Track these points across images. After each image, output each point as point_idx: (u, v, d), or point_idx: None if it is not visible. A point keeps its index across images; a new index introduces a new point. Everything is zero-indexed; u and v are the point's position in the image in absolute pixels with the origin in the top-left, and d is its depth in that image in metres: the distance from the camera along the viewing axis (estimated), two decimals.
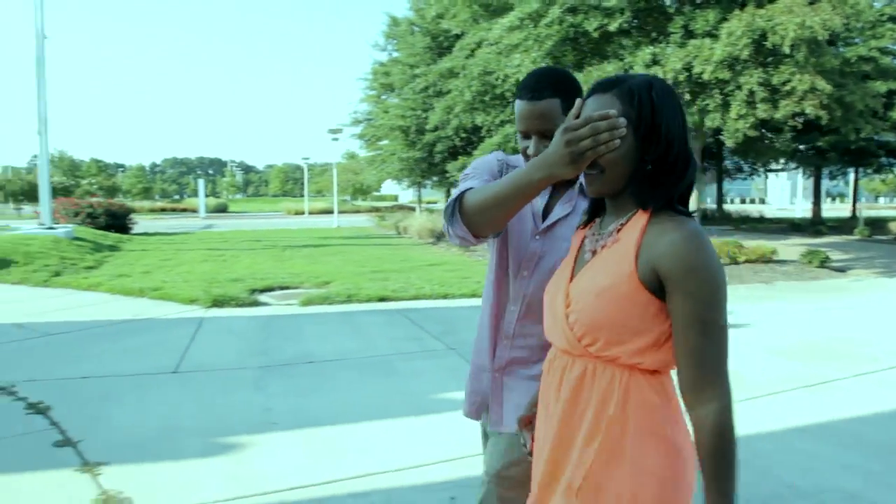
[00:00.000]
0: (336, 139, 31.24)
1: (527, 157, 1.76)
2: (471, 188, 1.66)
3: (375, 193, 78.41)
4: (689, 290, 1.29)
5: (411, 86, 19.96)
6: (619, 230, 1.42)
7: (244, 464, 3.77)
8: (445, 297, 9.22)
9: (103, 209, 22.85)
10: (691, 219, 1.37)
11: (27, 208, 57.96)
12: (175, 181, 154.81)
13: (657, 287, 1.33)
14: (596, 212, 1.55)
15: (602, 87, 1.41)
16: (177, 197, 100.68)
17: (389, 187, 72.88)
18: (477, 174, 1.80)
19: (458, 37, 18.07)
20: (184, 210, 53.07)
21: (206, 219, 41.14)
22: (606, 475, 1.35)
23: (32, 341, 7.04)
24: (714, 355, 1.31)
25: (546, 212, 1.85)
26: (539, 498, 1.52)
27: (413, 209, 34.31)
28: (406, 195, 77.51)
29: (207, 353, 6.29)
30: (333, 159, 37.19)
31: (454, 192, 1.68)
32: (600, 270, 1.40)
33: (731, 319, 6.66)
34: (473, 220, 1.58)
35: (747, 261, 12.83)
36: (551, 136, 1.65)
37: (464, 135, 19.07)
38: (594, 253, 1.46)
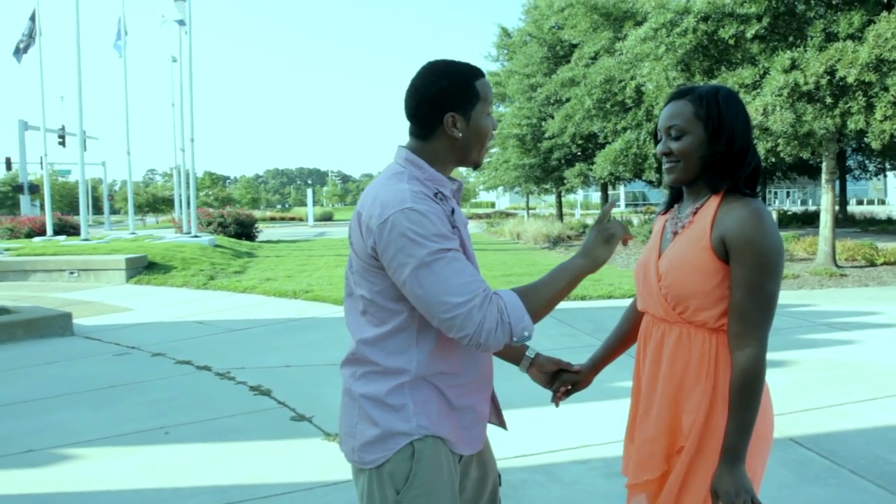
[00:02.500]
0: None
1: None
2: (496, 293, 1.56)
3: (472, 200, 79.20)
4: (745, 256, 1.58)
5: (531, 95, 20.41)
6: (695, 213, 1.72)
7: None
8: (584, 298, 9.56)
9: (232, 218, 24.41)
10: (756, 198, 1.68)
11: (149, 218, 62.19)
12: (277, 191, 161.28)
13: (727, 256, 1.62)
14: (674, 200, 1.88)
15: (677, 95, 1.77)
16: (279, 206, 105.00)
17: (486, 194, 73.43)
18: (443, 230, 1.54)
19: (574, 46, 18.36)
20: (291, 219, 55.49)
21: (315, 226, 42.88)
22: (709, 419, 1.67)
23: (219, 336, 7.88)
24: (755, 311, 1.59)
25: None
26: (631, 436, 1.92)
27: (513, 215, 34.66)
28: (502, 201, 77.85)
29: None
30: None
31: (445, 273, 1.50)
32: (683, 248, 1.70)
33: (879, 320, 6.71)
34: (534, 322, 1.59)
35: (885, 263, 12.51)
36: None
37: (580, 142, 19.34)
38: (675, 234, 1.77)
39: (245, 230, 24.37)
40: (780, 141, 10.93)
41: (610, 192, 25.74)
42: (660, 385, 1.76)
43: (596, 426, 4.43)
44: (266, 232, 30.88)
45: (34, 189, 30.60)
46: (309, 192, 50.70)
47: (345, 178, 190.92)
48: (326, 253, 19.02)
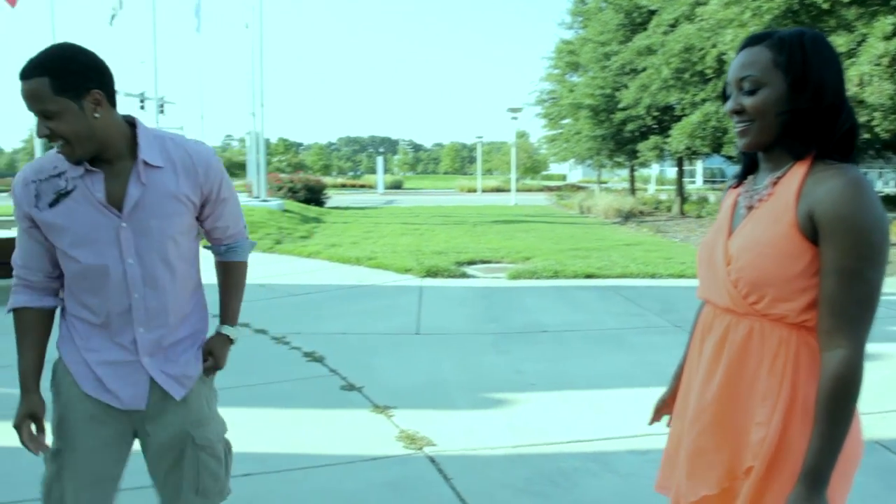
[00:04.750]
0: (515, 118, 31.51)
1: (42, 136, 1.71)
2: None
3: (543, 173, 78.17)
4: (839, 236, 1.28)
5: (605, 64, 19.72)
6: (774, 183, 1.41)
7: (517, 417, 4.07)
8: (653, 276, 9.16)
9: (302, 184, 24.68)
10: (853, 166, 1.35)
11: None
12: (349, 159, 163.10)
13: (815, 236, 1.32)
14: (748, 170, 1.55)
15: (753, 40, 1.43)
16: (352, 174, 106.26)
17: (557, 167, 72.32)
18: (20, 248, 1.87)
19: (652, 13, 17.57)
20: (361, 186, 55.96)
21: (385, 195, 43.09)
22: (785, 434, 1.36)
23: (279, 300, 7.87)
24: (851, 305, 1.29)
25: (115, 199, 1.77)
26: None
27: (585, 188, 33.94)
28: (574, 175, 76.50)
29: (440, 318, 6.73)
30: (508, 138, 37.54)
31: None
32: (759, 225, 1.40)
33: None
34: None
35: None
36: (46, 117, 1.65)
37: (655, 114, 18.58)
38: (750, 209, 1.46)
39: (314, 196, 24.62)
40: (875, 115, 10.14)
41: (686, 166, 24.78)
42: (718, 387, 1.46)
43: None
44: (335, 198, 31.11)
45: None
46: (379, 160, 50.95)
47: (416, 147, 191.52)
48: (393, 221, 19.01)
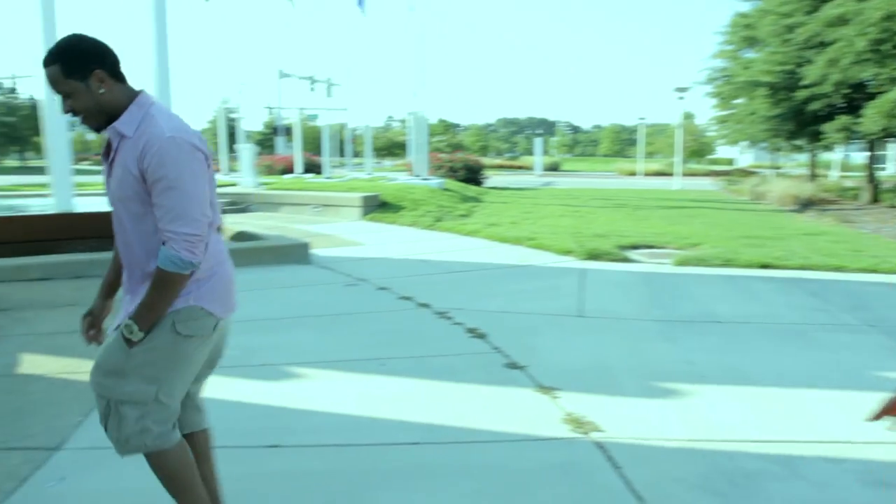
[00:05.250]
0: (682, 98, 30.01)
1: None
2: None
3: (709, 157, 74.15)
4: None
5: (786, 38, 18.15)
6: None
7: (689, 409, 3.84)
8: (839, 269, 8.36)
9: (462, 164, 24.99)
10: None
11: (386, 162, 66.21)
12: (506, 140, 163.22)
13: None
14: None
15: None
16: (509, 155, 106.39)
17: (725, 150, 68.22)
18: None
19: None
20: (519, 167, 55.79)
21: (542, 176, 42.68)
22: None
23: (441, 276, 7.99)
24: None
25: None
26: None
27: (754, 174, 31.73)
28: (744, 159, 71.92)
29: (603, 302, 6.53)
30: (673, 119, 35.83)
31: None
32: None
33: None
34: None
35: None
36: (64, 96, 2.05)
37: (845, 91, 16.88)
38: None
39: (473, 175, 24.84)
40: None
41: (878, 151, 22.41)
42: None
43: (855, 420, 3.75)
44: (492, 179, 31.24)
45: (287, 131, 33.80)
46: (537, 141, 50.49)
47: (574, 129, 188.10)
48: (552, 202, 18.77)
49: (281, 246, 8.84)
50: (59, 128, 9.19)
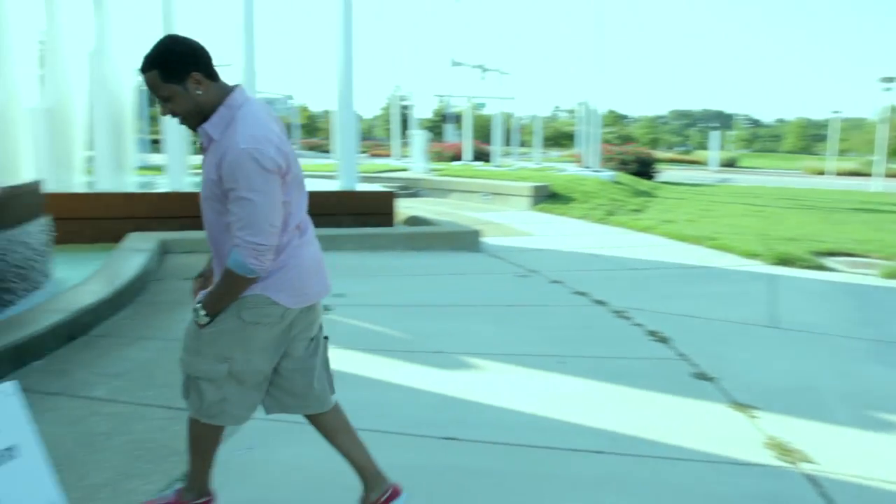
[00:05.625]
0: (888, 89, 27.05)
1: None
2: None
3: None
4: None
5: None
6: None
7: None
8: None
9: (634, 156, 24.10)
10: None
11: (552, 152, 65.48)
12: (678, 133, 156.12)
13: None
14: None
15: None
16: (681, 148, 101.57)
17: None
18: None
19: None
20: (692, 162, 53.02)
21: (718, 172, 40.28)
22: None
23: (615, 272, 7.65)
24: None
25: None
26: None
27: None
28: None
29: (800, 313, 5.91)
30: (873, 114, 32.39)
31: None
32: None
33: None
34: None
35: None
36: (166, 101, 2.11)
37: None
38: None
39: (644, 169, 23.87)
40: None
41: None
42: None
43: None
44: (664, 174, 29.90)
45: (456, 119, 34.30)
46: (713, 134, 47.77)
47: (754, 122, 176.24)
48: (732, 200, 17.55)
49: (452, 232, 8.88)
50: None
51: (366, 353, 4.45)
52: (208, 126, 2.13)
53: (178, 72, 2.07)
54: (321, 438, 2.48)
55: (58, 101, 10.08)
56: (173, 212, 8.53)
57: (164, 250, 7.53)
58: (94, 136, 10.50)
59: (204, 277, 2.43)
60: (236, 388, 2.28)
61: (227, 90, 2.16)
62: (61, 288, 5.70)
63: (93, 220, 8.35)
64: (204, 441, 2.42)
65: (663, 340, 4.91)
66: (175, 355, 2.47)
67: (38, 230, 5.85)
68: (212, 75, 2.14)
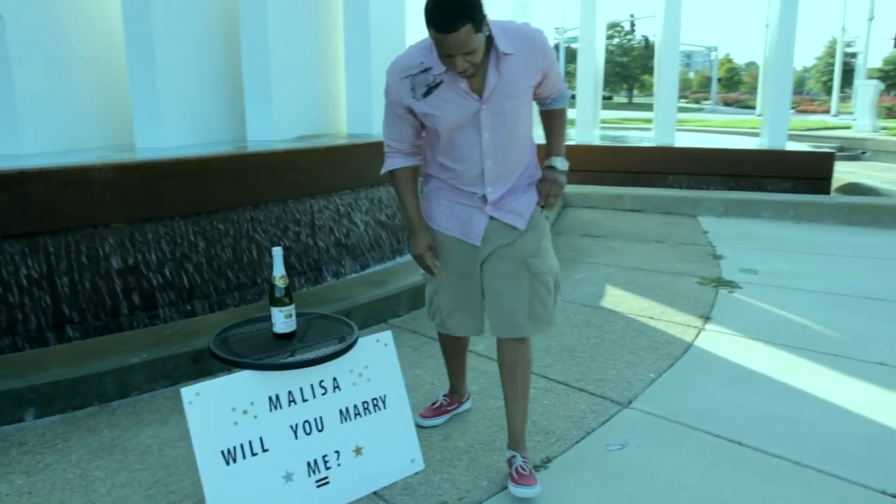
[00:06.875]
0: None
1: (452, 68, 2.00)
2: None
3: None
4: None
5: None
6: None
7: None
8: None
9: None
10: None
11: None
12: None
13: None
14: None
15: None
16: None
17: None
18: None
19: None
20: None
21: None
22: None
23: None
24: None
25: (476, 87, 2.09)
26: None
27: None
28: None
29: None
30: None
31: None
32: None
33: None
34: None
35: None
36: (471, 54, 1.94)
37: None
38: None
39: None
40: None
41: None
42: None
43: None
44: None
45: None
46: None
47: None
48: None
49: None
50: (671, 67, 9.41)
51: (778, 349, 3.63)
52: (503, 45, 2.05)
53: (482, 19, 1.92)
54: (709, 452, 2.39)
55: None
56: (578, 165, 8.40)
57: (564, 203, 7.41)
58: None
59: (432, 248, 2.35)
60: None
61: None
62: None
63: None
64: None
65: None
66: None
67: None
68: None
